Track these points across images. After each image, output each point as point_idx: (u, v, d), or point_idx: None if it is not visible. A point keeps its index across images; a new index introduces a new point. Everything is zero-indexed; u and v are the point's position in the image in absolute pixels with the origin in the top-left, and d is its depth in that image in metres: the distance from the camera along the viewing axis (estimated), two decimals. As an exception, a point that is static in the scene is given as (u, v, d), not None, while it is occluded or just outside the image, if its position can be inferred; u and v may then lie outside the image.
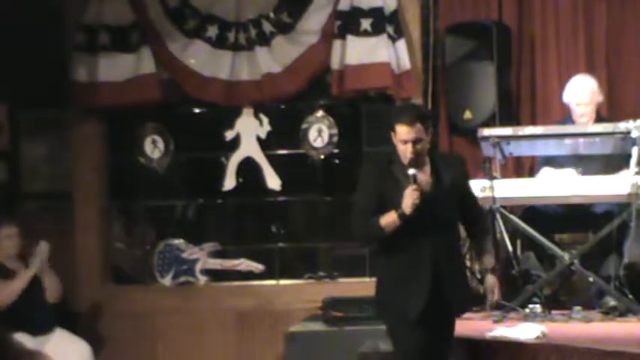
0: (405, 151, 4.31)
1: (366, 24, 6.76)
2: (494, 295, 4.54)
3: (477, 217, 4.63)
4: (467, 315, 5.70)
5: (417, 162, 4.32)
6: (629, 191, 5.53)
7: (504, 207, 5.81)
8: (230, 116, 7.12)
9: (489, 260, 4.59)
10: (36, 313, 6.24)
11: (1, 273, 6.24)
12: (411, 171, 4.28)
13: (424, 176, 4.39)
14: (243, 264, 7.10)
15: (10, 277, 6.25)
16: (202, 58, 6.94)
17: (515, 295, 5.69)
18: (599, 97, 6.16)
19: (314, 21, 6.89)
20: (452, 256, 4.48)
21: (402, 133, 4.31)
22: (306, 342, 5.91)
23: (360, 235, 4.51)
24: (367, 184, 4.41)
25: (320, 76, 6.96)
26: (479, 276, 6.55)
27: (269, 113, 7.10)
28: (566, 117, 6.27)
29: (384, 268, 4.48)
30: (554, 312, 5.68)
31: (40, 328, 6.23)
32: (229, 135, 7.12)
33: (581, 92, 6.13)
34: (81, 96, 6.94)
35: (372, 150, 6.96)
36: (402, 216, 4.25)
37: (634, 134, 5.57)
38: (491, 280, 4.54)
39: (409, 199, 4.25)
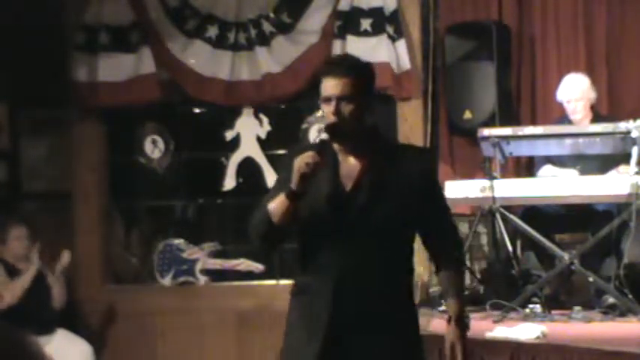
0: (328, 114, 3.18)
1: (366, 24, 6.76)
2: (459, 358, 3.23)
3: (443, 239, 3.30)
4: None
5: (341, 132, 3.16)
6: (629, 191, 5.53)
7: (504, 207, 5.81)
8: (230, 116, 7.12)
9: (454, 306, 3.26)
10: (39, 314, 6.25)
11: (12, 273, 6.25)
12: (324, 135, 3.20)
13: (355, 163, 3.21)
14: (243, 264, 7.09)
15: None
16: (202, 58, 6.94)
17: (515, 295, 5.69)
18: (592, 94, 6.16)
19: (314, 21, 6.89)
20: (382, 303, 3.15)
21: (325, 87, 3.18)
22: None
23: (250, 230, 3.26)
24: (283, 173, 3.27)
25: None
26: (479, 276, 6.59)
27: (269, 113, 7.10)
28: (562, 116, 6.27)
29: (291, 304, 3.31)
30: (554, 312, 5.67)
31: (42, 329, 6.24)
32: (229, 135, 7.12)
33: (572, 89, 6.14)
34: (81, 96, 6.93)
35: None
36: (290, 194, 3.12)
37: (634, 134, 5.56)
38: (452, 335, 3.24)
39: (297, 164, 3.10)
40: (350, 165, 3.22)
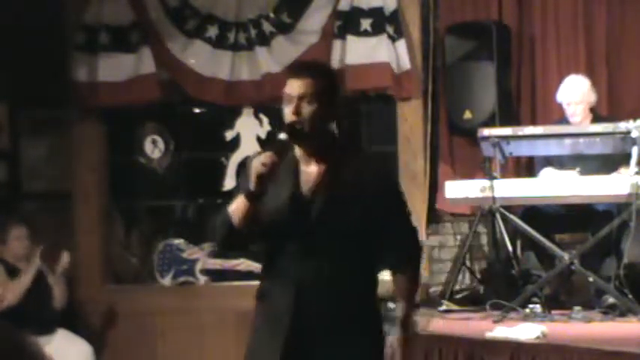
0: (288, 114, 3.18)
1: (366, 24, 6.76)
2: None
3: (399, 244, 3.27)
4: (467, 315, 5.75)
5: (299, 133, 3.16)
6: (629, 191, 5.53)
7: (504, 207, 5.81)
8: (230, 116, 7.12)
9: (402, 310, 3.28)
10: (39, 314, 6.25)
11: (12, 273, 6.25)
12: (282, 135, 3.16)
13: (315, 169, 3.22)
14: (243, 264, 7.09)
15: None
16: (202, 58, 6.94)
17: (515, 295, 5.69)
18: (592, 96, 6.16)
19: (314, 21, 6.89)
20: (344, 307, 3.16)
21: (288, 87, 3.19)
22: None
23: (215, 234, 3.32)
24: (244, 178, 3.26)
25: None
26: (479, 276, 6.59)
27: (269, 113, 7.09)
28: (561, 117, 6.27)
29: (255, 309, 3.34)
30: (554, 312, 5.67)
31: (42, 329, 6.24)
32: (229, 135, 7.12)
33: (572, 92, 6.14)
34: (81, 96, 6.93)
35: (372, 150, 6.96)
36: (248, 195, 3.13)
37: (634, 134, 5.56)
38: (393, 338, 3.25)
39: (254, 165, 3.12)
40: (310, 170, 3.23)
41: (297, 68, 3.29)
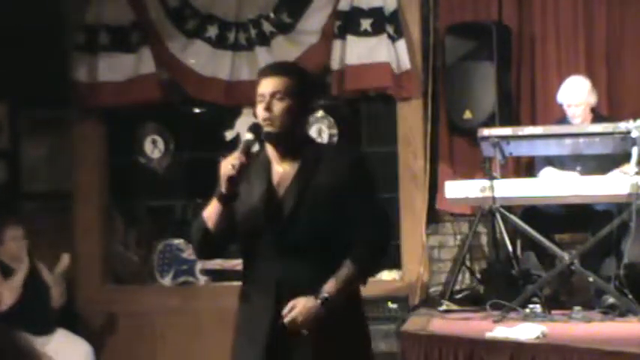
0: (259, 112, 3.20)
1: (366, 24, 6.75)
2: (288, 317, 3.13)
3: (359, 233, 3.19)
4: (467, 315, 5.75)
5: (267, 133, 3.17)
6: (629, 191, 5.52)
7: (504, 207, 5.81)
8: (230, 116, 7.12)
9: (329, 286, 3.13)
10: (38, 314, 6.24)
11: (7, 274, 6.24)
12: (248, 135, 3.18)
13: (287, 170, 3.23)
14: (243, 264, 7.08)
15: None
16: (202, 58, 6.94)
17: (515, 295, 5.69)
18: (593, 98, 6.16)
19: (314, 21, 6.89)
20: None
21: (260, 86, 3.23)
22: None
23: (191, 239, 3.36)
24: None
25: (320, 76, 6.97)
26: (479, 276, 6.59)
27: (269, 113, 7.08)
28: (562, 117, 6.27)
29: (238, 312, 3.35)
30: (554, 312, 5.66)
31: (41, 329, 6.23)
32: (229, 135, 7.12)
33: (572, 93, 6.14)
34: (81, 96, 6.94)
35: (372, 150, 6.96)
36: (219, 197, 3.20)
37: (634, 134, 5.56)
38: (302, 302, 3.12)
39: (223, 167, 3.15)
40: (282, 171, 3.24)
41: (268, 68, 3.31)
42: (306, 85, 3.30)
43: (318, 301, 3.13)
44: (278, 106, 3.18)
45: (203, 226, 3.23)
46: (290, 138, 3.23)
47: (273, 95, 3.19)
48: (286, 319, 3.12)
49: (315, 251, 3.16)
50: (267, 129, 3.19)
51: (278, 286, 3.17)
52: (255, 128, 3.19)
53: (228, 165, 3.13)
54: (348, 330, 3.23)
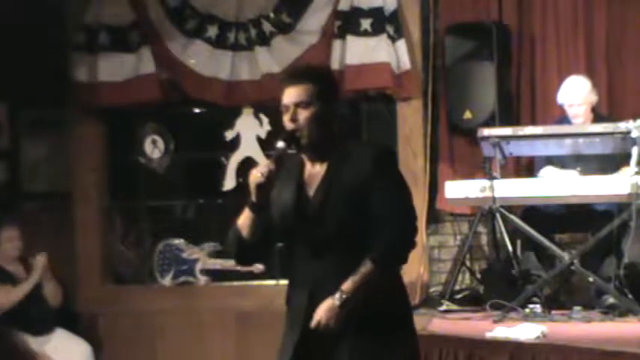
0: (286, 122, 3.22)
1: (366, 24, 6.75)
2: (315, 322, 3.13)
3: (379, 231, 3.14)
4: (467, 315, 5.76)
5: (297, 140, 3.20)
6: (629, 191, 5.52)
7: (504, 207, 5.81)
8: (230, 116, 7.12)
9: (346, 286, 3.10)
10: (36, 314, 6.24)
11: (1, 276, 6.23)
12: (280, 143, 3.20)
13: (318, 170, 3.26)
14: (243, 264, 7.10)
15: (10, 280, 6.25)
16: (202, 58, 6.94)
17: (515, 295, 5.69)
18: (593, 98, 6.15)
19: (314, 21, 6.89)
20: (358, 306, 3.12)
21: (284, 96, 3.24)
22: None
23: (228, 249, 3.37)
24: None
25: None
26: (479, 276, 6.59)
27: (269, 113, 7.09)
28: (562, 117, 6.27)
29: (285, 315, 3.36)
30: (554, 312, 5.67)
31: (40, 329, 6.24)
32: (229, 135, 7.12)
33: (573, 93, 6.14)
34: (81, 96, 6.94)
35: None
36: (251, 206, 3.20)
37: (634, 134, 5.56)
38: (325, 305, 3.12)
39: (252, 176, 3.16)
40: (314, 171, 3.27)
41: (291, 76, 3.30)
42: (329, 86, 3.29)
43: (337, 302, 3.13)
44: (303, 115, 3.19)
45: (238, 235, 3.24)
46: (315, 144, 3.24)
47: (297, 105, 3.20)
48: (312, 323, 3.15)
49: (344, 250, 3.16)
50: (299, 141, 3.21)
51: (312, 286, 3.18)
52: (286, 136, 3.21)
53: (257, 173, 3.14)
54: (386, 327, 3.18)
